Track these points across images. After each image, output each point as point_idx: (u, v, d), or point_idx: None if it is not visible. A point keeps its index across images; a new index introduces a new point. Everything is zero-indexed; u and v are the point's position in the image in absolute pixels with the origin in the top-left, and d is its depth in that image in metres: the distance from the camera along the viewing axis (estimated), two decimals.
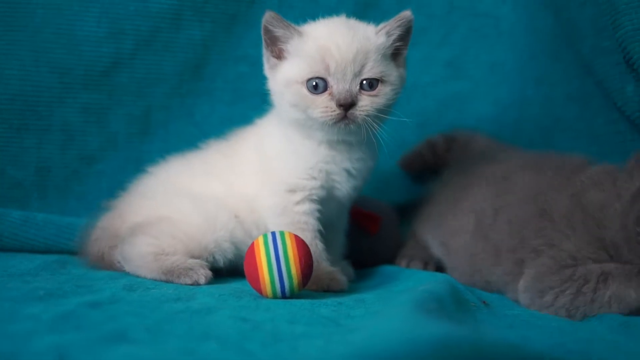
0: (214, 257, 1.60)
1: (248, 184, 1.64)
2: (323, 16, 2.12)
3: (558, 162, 1.73)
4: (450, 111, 2.25)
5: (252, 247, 1.43)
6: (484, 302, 1.48)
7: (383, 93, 1.54)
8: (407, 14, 1.57)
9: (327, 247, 1.64)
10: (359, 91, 1.52)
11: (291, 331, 1.12)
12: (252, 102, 2.08)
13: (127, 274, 1.59)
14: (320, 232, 1.61)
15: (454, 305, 1.29)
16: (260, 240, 1.43)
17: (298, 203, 1.59)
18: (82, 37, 1.97)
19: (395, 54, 1.58)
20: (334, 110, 1.49)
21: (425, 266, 1.88)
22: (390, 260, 1.93)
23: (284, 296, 1.41)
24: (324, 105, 1.50)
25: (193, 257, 1.57)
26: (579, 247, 1.45)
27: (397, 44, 1.57)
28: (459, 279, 1.70)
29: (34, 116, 1.96)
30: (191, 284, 1.51)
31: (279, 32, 1.55)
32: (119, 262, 1.62)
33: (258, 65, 2.10)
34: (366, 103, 1.52)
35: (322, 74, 1.51)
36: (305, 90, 1.52)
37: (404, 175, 2.24)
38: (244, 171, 1.66)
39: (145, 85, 2.03)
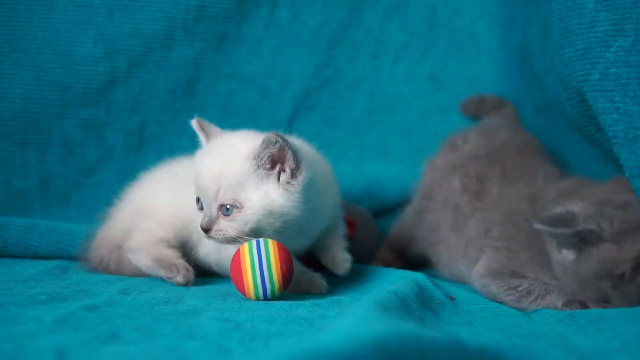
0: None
1: None
2: (307, 35, 2.27)
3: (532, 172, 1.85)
4: (433, 122, 2.37)
5: (237, 253, 1.56)
6: (450, 297, 1.60)
7: (239, 218, 1.54)
8: (269, 136, 1.53)
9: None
10: (219, 214, 1.56)
11: (267, 330, 1.24)
12: (242, 117, 2.21)
13: (123, 278, 1.72)
14: None
15: (416, 303, 1.41)
16: (245, 246, 1.55)
17: None
18: (79, 57, 2.10)
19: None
20: (200, 229, 1.58)
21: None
22: (368, 262, 2.04)
23: (266, 298, 1.54)
24: (196, 223, 1.60)
25: (183, 241, 1.73)
26: (531, 260, 1.58)
27: (269, 165, 1.56)
28: (440, 270, 1.87)
29: (36, 131, 2.10)
30: (170, 278, 1.66)
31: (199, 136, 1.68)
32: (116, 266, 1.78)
33: (248, 83, 2.25)
34: (222, 227, 1.56)
35: (197, 194, 1.61)
36: (194, 203, 1.64)
37: (387, 180, 2.35)
38: None
39: (140, 101, 2.16)
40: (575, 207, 1.53)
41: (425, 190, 2.05)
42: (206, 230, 1.57)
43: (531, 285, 1.58)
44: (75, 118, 2.12)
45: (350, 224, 2.07)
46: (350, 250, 2.06)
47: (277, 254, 1.54)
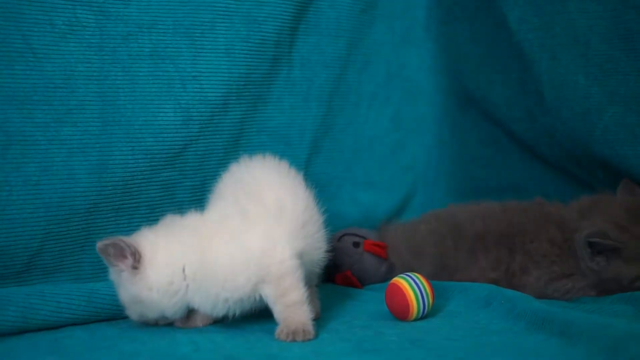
0: None
1: None
2: (314, 92, 2.68)
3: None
4: (398, 156, 2.95)
5: (395, 287, 2.01)
6: None
7: None
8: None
9: None
10: None
11: None
12: None
13: None
14: None
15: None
16: (404, 281, 2.01)
17: None
18: (164, 125, 2.28)
19: None
20: None
21: None
22: None
23: (422, 315, 2.02)
24: None
25: None
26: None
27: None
28: None
29: (128, 197, 2.24)
30: None
31: None
32: None
33: (275, 136, 2.60)
34: None
35: None
36: None
37: (376, 206, 2.88)
38: None
39: (204, 159, 2.39)
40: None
41: None
42: None
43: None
44: (157, 181, 2.29)
45: (383, 247, 2.58)
46: (389, 271, 2.57)
47: (425, 281, 2.03)
